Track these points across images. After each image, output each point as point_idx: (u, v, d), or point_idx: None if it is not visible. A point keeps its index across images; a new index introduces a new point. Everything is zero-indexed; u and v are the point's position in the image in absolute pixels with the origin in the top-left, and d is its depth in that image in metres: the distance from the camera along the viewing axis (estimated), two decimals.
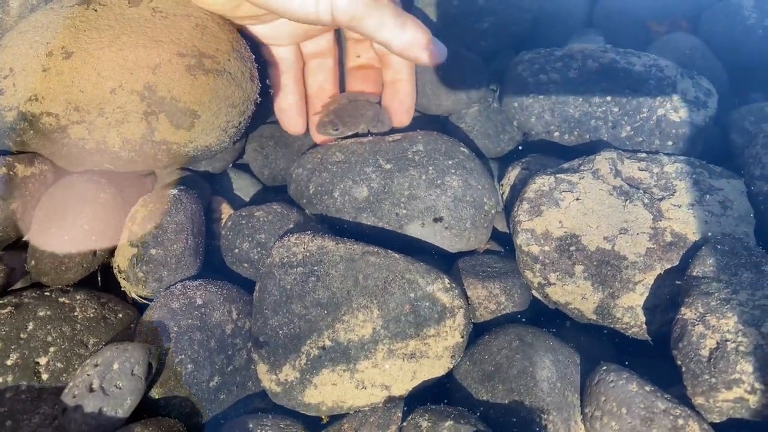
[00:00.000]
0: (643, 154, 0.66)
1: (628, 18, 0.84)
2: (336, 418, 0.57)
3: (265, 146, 0.73)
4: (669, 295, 0.58)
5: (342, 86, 0.75)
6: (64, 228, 0.59)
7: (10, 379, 0.52)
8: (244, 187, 0.72)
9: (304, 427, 0.55)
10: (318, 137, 0.72)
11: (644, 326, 0.58)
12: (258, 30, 0.70)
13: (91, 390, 0.50)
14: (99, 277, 0.62)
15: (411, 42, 0.61)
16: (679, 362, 0.52)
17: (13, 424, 0.50)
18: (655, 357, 0.58)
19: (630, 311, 0.58)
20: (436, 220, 0.62)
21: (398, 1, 0.67)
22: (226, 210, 0.68)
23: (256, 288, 0.58)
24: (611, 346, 0.61)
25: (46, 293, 0.57)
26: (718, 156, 0.70)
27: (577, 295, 0.58)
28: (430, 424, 0.51)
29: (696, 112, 0.69)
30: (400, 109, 0.70)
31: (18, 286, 0.59)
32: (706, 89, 0.71)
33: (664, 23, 0.84)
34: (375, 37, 0.62)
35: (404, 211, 0.63)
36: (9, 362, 0.52)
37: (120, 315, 0.58)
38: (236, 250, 0.63)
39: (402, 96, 0.70)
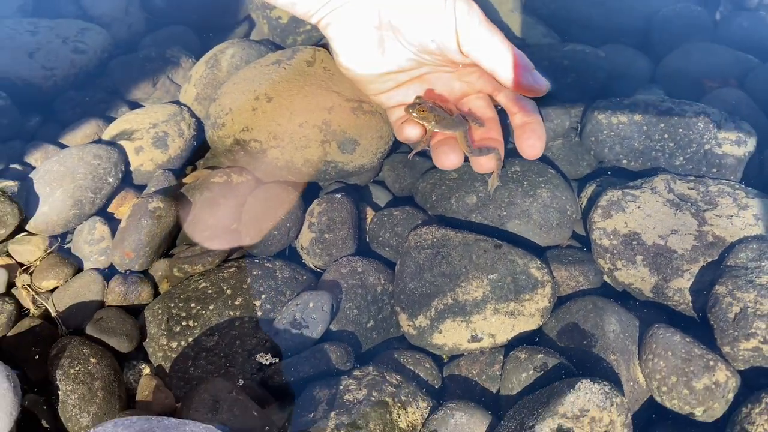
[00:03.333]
0: (692, 177, 0.85)
1: (686, 76, 1.04)
2: (453, 358, 0.78)
3: (396, 167, 0.97)
4: (710, 282, 0.77)
5: None
6: (264, 218, 0.85)
7: (237, 313, 0.77)
8: (381, 196, 0.95)
9: (431, 360, 0.77)
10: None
11: (690, 304, 0.77)
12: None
13: (294, 320, 0.74)
14: (287, 252, 0.87)
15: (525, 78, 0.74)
16: (712, 322, 0.71)
17: (240, 343, 0.75)
18: (698, 326, 0.76)
19: (679, 292, 0.77)
20: (529, 220, 0.84)
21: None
22: (369, 212, 0.92)
23: (398, 263, 0.81)
24: (664, 318, 0.79)
25: (256, 260, 0.82)
26: (756, 183, 0.88)
27: (637, 278, 0.78)
28: (526, 356, 0.71)
29: (737, 148, 0.88)
30: (533, 138, 0.75)
31: (235, 256, 0.85)
32: (746, 131, 0.90)
33: (717, 80, 1.03)
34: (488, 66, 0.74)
35: (505, 213, 0.85)
36: (237, 302, 0.77)
37: (305, 276, 0.82)
38: (380, 238, 0.86)
39: (535, 125, 0.76)
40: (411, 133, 0.80)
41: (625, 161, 0.92)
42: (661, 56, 1.07)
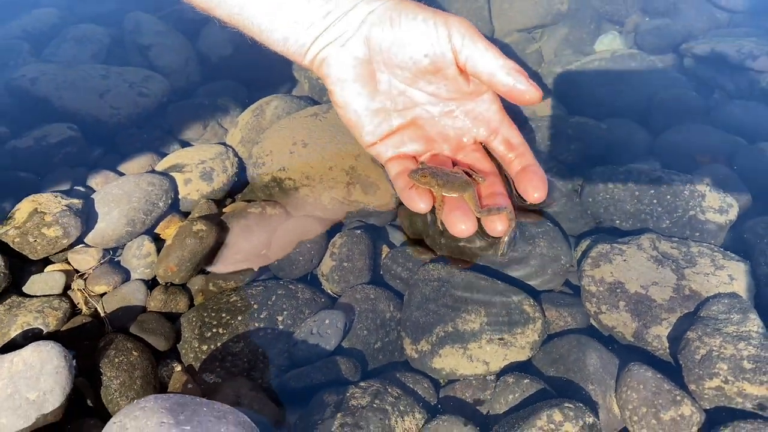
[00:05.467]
0: (676, 239, 0.95)
1: (681, 151, 1.15)
2: (449, 382, 0.87)
3: (409, 213, 1.08)
4: (685, 331, 0.85)
5: None
6: (291, 246, 0.97)
7: (261, 325, 0.87)
8: (396, 237, 1.06)
9: (429, 381, 0.86)
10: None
11: (667, 350, 0.85)
12: None
13: (311, 333, 0.84)
14: (308, 277, 0.98)
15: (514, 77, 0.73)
16: (681, 362, 0.79)
17: (262, 350, 0.85)
18: (674, 370, 0.84)
19: (657, 338, 0.85)
20: (527, 265, 0.94)
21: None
22: (384, 249, 1.03)
23: (406, 293, 0.92)
24: (644, 361, 0.87)
25: (281, 282, 0.93)
26: (735, 248, 0.97)
27: (620, 322, 0.87)
28: (514, 380, 0.80)
29: (719, 216, 0.98)
30: (535, 180, 0.79)
31: (263, 277, 0.96)
32: (729, 202, 1.00)
33: (707, 157, 1.14)
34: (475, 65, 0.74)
35: (505, 259, 0.95)
36: (262, 316, 0.88)
37: (323, 299, 0.92)
38: (392, 271, 0.97)
39: (535, 168, 0.79)
40: (421, 204, 0.79)
41: (617, 221, 1.02)
42: (659, 132, 1.19)
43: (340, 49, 0.76)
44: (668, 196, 1.00)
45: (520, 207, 0.91)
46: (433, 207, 0.81)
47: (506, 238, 0.86)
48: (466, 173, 0.82)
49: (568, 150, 1.12)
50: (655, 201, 1.00)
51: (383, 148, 0.84)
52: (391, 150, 0.84)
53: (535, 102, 0.75)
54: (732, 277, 0.90)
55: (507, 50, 1.43)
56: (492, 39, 1.44)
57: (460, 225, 0.76)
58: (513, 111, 1.01)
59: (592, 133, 1.14)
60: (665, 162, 1.14)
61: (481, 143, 0.85)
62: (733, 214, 0.99)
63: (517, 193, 0.86)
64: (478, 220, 0.81)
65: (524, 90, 0.73)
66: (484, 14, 1.47)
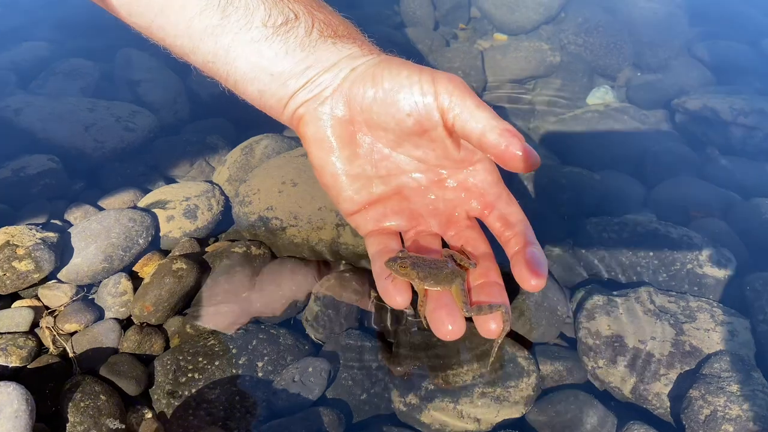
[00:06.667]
0: (674, 293, 0.92)
1: (675, 204, 1.13)
2: None
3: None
4: (686, 389, 0.81)
5: None
6: (277, 288, 0.92)
7: (240, 371, 0.82)
8: None
9: None
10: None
11: (668, 409, 0.81)
12: None
13: (293, 381, 0.79)
14: (291, 321, 0.93)
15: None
16: (684, 423, 0.75)
17: (240, 398, 0.79)
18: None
19: (657, 396, 0.82)
20: (521, 315, 0.90)
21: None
22: (373, 293, 0.99)
23: (395, 342, 0.87)
24: (643, 420, 0.83)
25: (262, 326, 0.88)
26: (734, 304, 0.94)
27: (617, 377, 0.83)
28: None
29: (717, 270, 0.96)
30: (534, 265, 0.64)
31: (244, 320, 0.91)
32: (726, 257, 0.98)
33: (702, 211, 1.13)
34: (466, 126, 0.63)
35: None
36: (240, 361, 0.83)
37: (306, 347, 0.87)
38: (381, 319, 0.93)
39: (534, 250, 0.66)
40: (398, 298, 0.66)
41: (613, 273, 0.99)
42: (654, 184, 1.18)
43: (319, 106, 0.69)
44: (665, 249, 0.98)
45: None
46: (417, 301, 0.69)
47: (499, 342, 0.72)
48: (454, 260, 0.70)
49: (563, 199, 1.10)
50: (651, 254, 0.98)
51: (363, 219, 0.73)
52: (372, 223, 0.73)
53: (531, 169, 0.63)
54: (733, 333, 0.86)
55: (500, 101, 1.43)
56: (484, 90, 1.44)
57: (447, 326, 0.63)
58: None
59: (585, 183, 1.13)
60: (660, 214, 1.12)
61: (475, 218, 0.74)
62: (731, 268, 0.97)
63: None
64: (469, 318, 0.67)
65: (518, 154, 0.62)
66: (477, 64, 1.48)
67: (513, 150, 0.62)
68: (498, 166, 0.68)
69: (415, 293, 0.67)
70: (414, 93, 0.64)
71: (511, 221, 0.70)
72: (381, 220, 0.73)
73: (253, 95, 0.71)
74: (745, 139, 1.26)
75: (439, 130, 0.66)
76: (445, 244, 0.74)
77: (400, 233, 0.74)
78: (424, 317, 0.67)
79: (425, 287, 0.66)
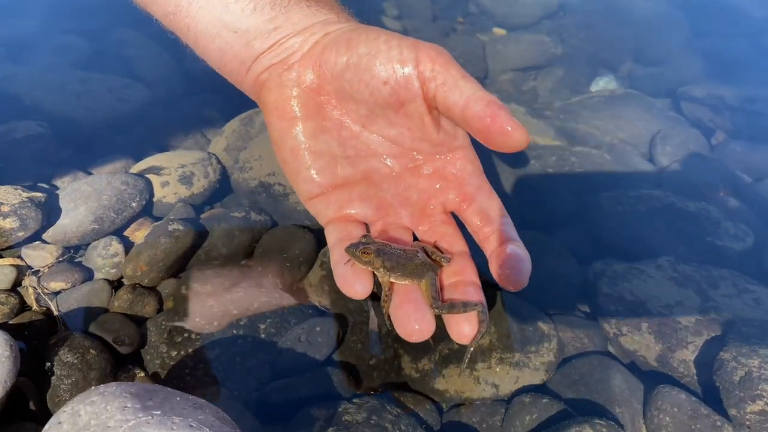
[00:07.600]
0: (695, 263, 0.89)
1: (689, 182, 1.11)
2: (454, 406, 0.76)
3: None
4: (713, 356, 0.77)
5: None
6: (281, 253, 0.87)
7: (241, 332, 0.76)
8: None
9: (432, 403, 0.75)
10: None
11: (695, 377, 0.77)
12: None
13: (299, 341, 0.73)
14: (294, 288, 0.87)
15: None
16: (717, 384, 0.70)
17: (241, 360, 0.73)
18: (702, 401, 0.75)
19: (683, 363, 0.77)
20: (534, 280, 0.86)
21: None
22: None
23: None
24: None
25: (263, 289, 0.83)
26: (755, 275, 0.91)
27: (642, 344, 0.78)
28: (530, 400, 0.70)
29: (735, 242, 0.93)
30: (515, 263, 0.55)
31: (244, 284, 0.85)
32: (744, 230, 0.95)
33: (728, 191, 1.10)
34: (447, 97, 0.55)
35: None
36: (241, 323, 0.77)
37: (310, 311, 0.82)
38: None
39: (516, 248, 0.56)
40: (357, 287, 0.56)
41: (631, 244, 0.95)
42: (665, 165, 1.15)
43: (284, 72, 0.60)
44: (682, 222, 0.94)
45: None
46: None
47: (472, 348, 0.61)
48: (426, 252, 0.59)
49: (573, 173, 1.07)
50: (668, 226, 0.95)
51: (323, 204, 0.62)
52: (334, 209, 0.62)
53: (518, 147, 0.54)
54: (758, 301, 0.83)
55: (502, 86, 1.41)
56: (486, 78, 1.42)
57: (412, 324, 0.54)
58: None
59: (595, 160, 1.09)
60: (675, 191, 1.09)
61: (451, 212, 0.64)
62: (749, 241, 0.93)
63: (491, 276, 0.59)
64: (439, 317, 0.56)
65: (505, 128, 0.52)
66: (478, 53, 1.46)
67: (499, 122, 0.53)
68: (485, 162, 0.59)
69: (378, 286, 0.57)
70: (392, 58, 0.56)
71: (491, 216, 0.60)
72: (345, 206, 0.62)
73: (213, 55, 0.63)
74: (752, 123, 1.24)
75: (417, 103, 0.57)
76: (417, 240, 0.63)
77: (366, 224, 0.63)
78: (388, 315, 0.57)
79: (391, 280, 0.57)
